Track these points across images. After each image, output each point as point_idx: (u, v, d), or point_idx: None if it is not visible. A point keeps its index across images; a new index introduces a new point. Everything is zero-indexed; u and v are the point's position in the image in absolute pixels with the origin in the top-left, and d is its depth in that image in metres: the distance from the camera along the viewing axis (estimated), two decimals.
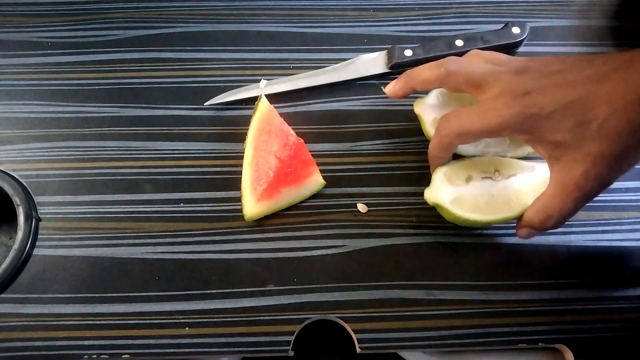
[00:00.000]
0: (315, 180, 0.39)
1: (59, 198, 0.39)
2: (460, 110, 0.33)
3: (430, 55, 0.44)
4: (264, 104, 0.41)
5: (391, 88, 0.38)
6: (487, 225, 0.38)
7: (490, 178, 0.36)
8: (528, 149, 0.38)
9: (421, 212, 0.39)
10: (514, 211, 0.35)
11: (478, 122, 0.31)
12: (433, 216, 0.39)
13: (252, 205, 0.37)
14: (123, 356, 0.34)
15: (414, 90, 0.37)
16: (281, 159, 0.38)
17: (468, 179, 0.36)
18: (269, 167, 0.38)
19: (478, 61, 0.34)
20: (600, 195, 0.40)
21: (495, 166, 0.36)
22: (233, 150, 0.41)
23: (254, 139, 0.40)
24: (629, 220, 0.39)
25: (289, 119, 0.41)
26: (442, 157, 0.35)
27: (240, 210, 0.39)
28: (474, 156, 0.37)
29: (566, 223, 0.38)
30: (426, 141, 0.42)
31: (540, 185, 0.35)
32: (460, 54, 0.45)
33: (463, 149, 0.37)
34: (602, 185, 0.29)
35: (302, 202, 0.39)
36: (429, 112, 0.38)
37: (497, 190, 0.35)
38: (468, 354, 0.37)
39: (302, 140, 0.39)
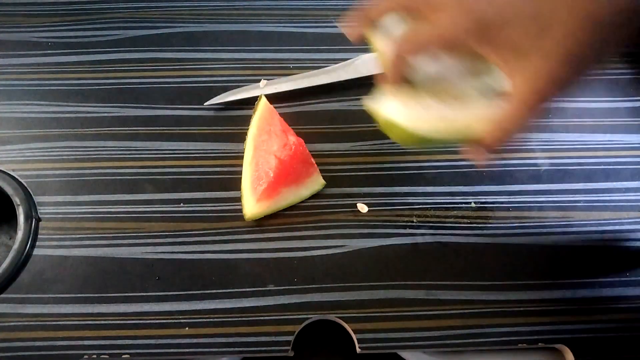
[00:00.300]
0: (315, 180, 0.39)
1: (59, 198, 0.39)
2: (419, 26, 0.32)
3: None
4: (264, 104, 0.41)
5: (349, 28, 0.35)
6: (437, 143, 0.34)
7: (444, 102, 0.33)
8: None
9: (421, 212, 0.39)
10: (466, 132, 0.31)
11: (435, 30, 0.30)
12: (433, 216, 0.39)
13: (252, 205, 0.37)
14: (123, 356, 0.34)
15: (370, 19, 0.34)
16: (281, 159, 0.38)
17: (421, 100, 0.33)
18: (269, 167, 0.38)
19: None
20: (600, 195, 0.40)
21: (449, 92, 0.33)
22: (233, 150, 0.41)
23: (254, 139, 0.40)
24: (629, 220, 0.39)
25: (289, 119, 0.41)
26: (398, 71, 0.33)
27: (240, 210, 0.39)
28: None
29: (566, 223, 0.38)
30: None
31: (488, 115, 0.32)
32: None
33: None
34: (561, 88, 0.28)
35: (302, 202, 0.39)
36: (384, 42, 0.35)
37: (449, 112, 0.32)
38: (468, 354, 0.37)
39: (302, 140, 0.39)
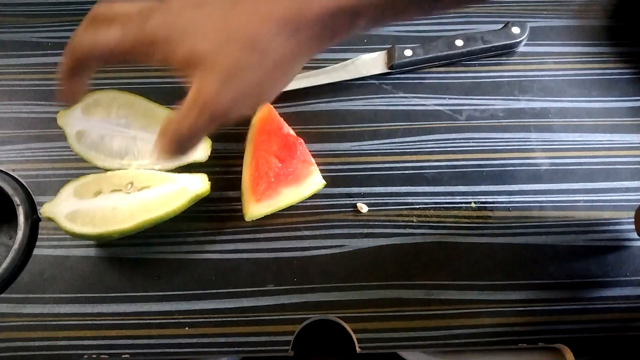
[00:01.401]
0: (315, 181, 0.39)
1: None
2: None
3: (430, 55, 0.44)
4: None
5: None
6: (109, 238, 0.35)
7: (121, 191, 0.36)
8: (176, 162, 0.38)
9: (421, 212, 0.39)
10: (135, 221, 0.34)
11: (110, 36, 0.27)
12: (433, 216, 0.39)
13: (252, 205, 0.37)
14: (123, 356, 0.34)
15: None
16: (281, 159, 0.38)
17: (97, 193, 0.36)
18: (269, 167, 0.38)
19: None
20: (600, 195, 0.40)
21: (132, 179, 0.36)
22: (233, 150, 0.41)
23: (254, 139, 0.39)
24: (629, 220, 0.39)
25: (289, 119, 0.41)
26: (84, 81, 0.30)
27: (240, 210, 0.39)
28: (118, 169, 0.37)
29: (567, 223, 0.38)
30: (426, 141, 0.42)
31: (177, 195, 0.35)
32: (460, 54, 0.45)
33: (107, 163, 0.38)
34: (219, 100, 0.27)
35: (302, 202, 0.39)
36: (72, 123, 0.38)
37: (123, 203, 0.35)
38: (468, 354, 0.37)
39: (302, 140, 0.39)
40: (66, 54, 0.29)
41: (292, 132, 0.40)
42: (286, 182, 0.38)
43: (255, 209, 0.37)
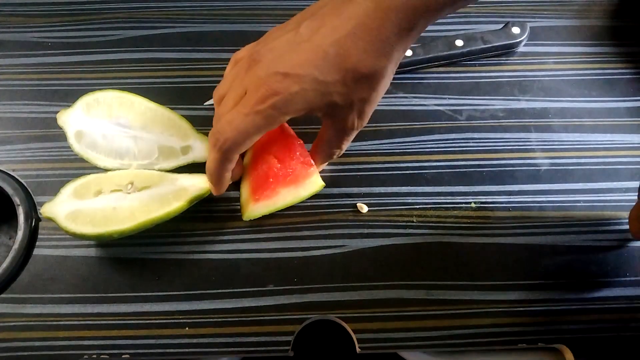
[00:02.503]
0: (314, 182, 0.39)
1: None
2: (229, 115, 0.32)
3: (430, 55, 0.44)
4: None
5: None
6: (109, 238, 0.35)
7: (121, 191, 0.36)
8: (176, 162, 0.39)
9: (421, 212, 0.39)
10: (135, 221, 0.34)
11: (251, 121, 0.31)
12: (433, 216, 0.39)
13: (250, 205, 0.37)
14: (123, 356, 0.34)
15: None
16: (280, 160, 0.38)
17: (97, 193, 0.36)
18: (268, 167, 0.38)
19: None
20: (600, 195, 0.40)
21: (132, 179, 0.36)
22: None
23: None
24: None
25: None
26: (226, 169, 0.35)
27: (240, 210, 0.39)
28: (118, 169, 0.38)
29: (567, 223, 0.38)
30: (426, 141, 0.42)
31: (177, 195, 0.36)
32: (460, 54, 0.45)
33: (107, 163, 0.38)
34: (367, 120, 0.35)
35: (302, 202, 0.39)
36: (72, 123, 0.38)
37: (123, 203, 0.35)
38: (468, 354, 0.37)
39: (301, 142, 0.39)
40: (216, 150, 0.33)
41: (292, 132, 0.40)
42: (285, 183, 0.38)
43: (253, 209, 0.37)
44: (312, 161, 0.38)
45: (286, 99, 0.30)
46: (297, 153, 0.38)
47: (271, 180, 0.38)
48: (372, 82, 0.31)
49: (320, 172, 0.39)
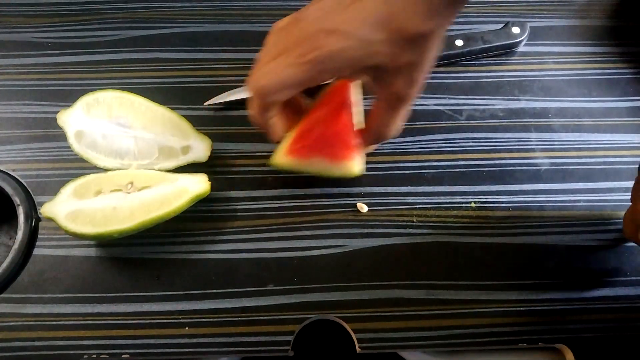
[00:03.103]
0: (349, 166, 0.36)
1: None
2: (270, 65, 0.31)
3: None
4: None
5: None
6: (109, 238, 0.35)
7: (121, 191, 0.36)
8: (176, 162, 0.39)
9: (421, 212, 0.39)
10: (135, 221, 0.34)
11: (291, 72, 0.30)
12: (433, 216, 0.39)
13: (281, 154, 0.36)
14: (123, 356, 0.34)
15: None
16: (332, 130, 0.36)
17: (97, 193, 0.36)
18: (318, 128, 0.36)
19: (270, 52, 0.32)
20: (600, 195, 0.40)
21: (132, 179, 0.36)
22: (233, 150, 0.41)
23: (330, 95, 0.37)
24: None
25: None
26: (269, 117, 0.34)
27: (241, 210, 0.39)
28: (119, 169, 0.38)
29: (567, 223, 0.38)
30: (426, 141, 0.42)
31: (177, 195, 0.36)
32: (460, 54, 0.45)
33: (107, 163, 0.38)
34: (418, 89, 0.32)
35: (302, 202, 0.39)
36: (72, 123, 0.38)
37: (122, 203, 0.35)
38: (468, 354, 0.37)
39: (358, 131, 0.36)
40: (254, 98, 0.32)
41: (357, 119, 0.37)
42: (321, 152, 0.36)
43: (282, 158, 0.36)
44: (360, 147, 0.36)
45: (329, 54, 0.29)
46: (350, 134, 0.36)
47: (312, 141, 0.36)
48: (420, 45, 0.30)
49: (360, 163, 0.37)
